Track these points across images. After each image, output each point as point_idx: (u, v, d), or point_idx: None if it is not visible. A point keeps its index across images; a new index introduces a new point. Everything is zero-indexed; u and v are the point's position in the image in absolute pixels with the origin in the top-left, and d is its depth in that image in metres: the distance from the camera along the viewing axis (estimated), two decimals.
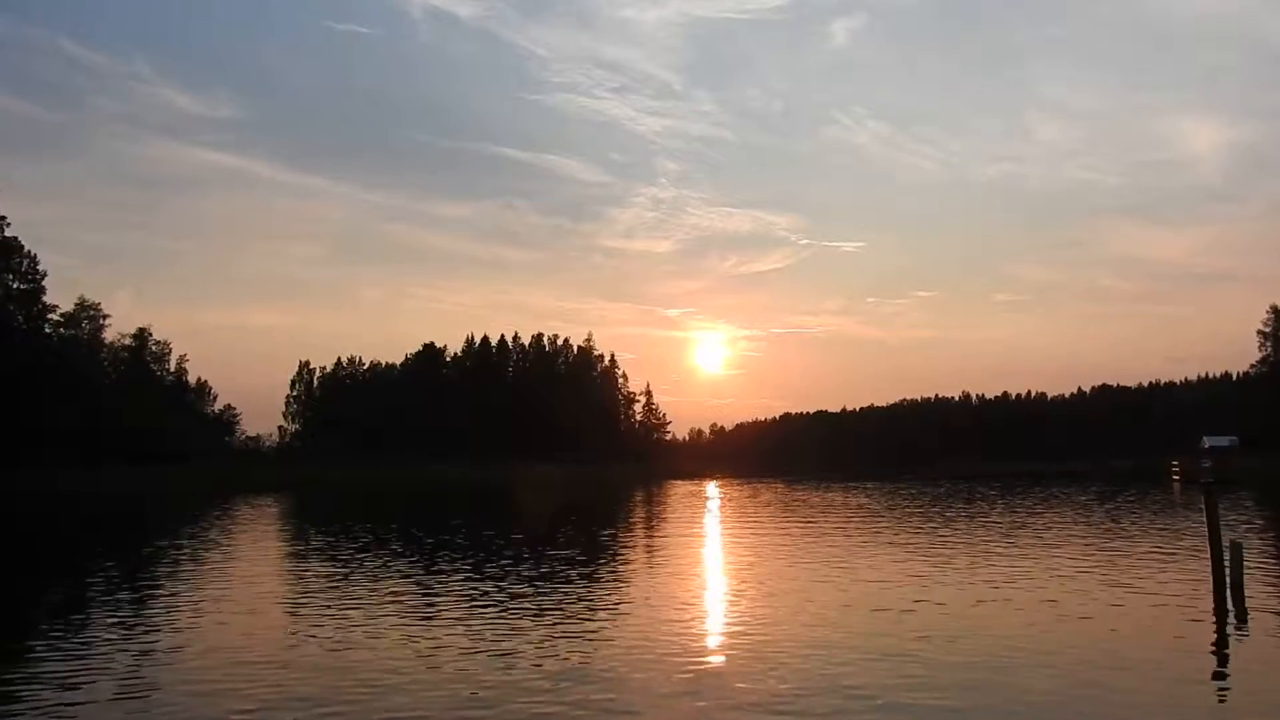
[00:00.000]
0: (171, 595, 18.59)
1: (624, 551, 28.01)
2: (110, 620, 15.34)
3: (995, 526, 32.69)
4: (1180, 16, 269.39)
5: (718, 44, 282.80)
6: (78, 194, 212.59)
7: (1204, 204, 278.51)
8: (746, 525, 37.39)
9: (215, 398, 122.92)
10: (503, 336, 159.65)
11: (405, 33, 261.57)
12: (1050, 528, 31.54)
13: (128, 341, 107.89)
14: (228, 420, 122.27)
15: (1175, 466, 68.57)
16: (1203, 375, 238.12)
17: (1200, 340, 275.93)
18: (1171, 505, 44.11)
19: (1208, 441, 67.61)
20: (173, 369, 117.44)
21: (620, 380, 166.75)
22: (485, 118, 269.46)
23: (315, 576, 21.22)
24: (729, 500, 58.68)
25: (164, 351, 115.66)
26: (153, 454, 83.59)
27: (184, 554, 27.39)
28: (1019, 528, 31.74)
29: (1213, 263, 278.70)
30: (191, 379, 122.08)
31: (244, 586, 19.57)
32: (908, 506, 46.74)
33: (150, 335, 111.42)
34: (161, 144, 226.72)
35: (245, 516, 45.82)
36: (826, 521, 37.17)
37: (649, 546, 29.43)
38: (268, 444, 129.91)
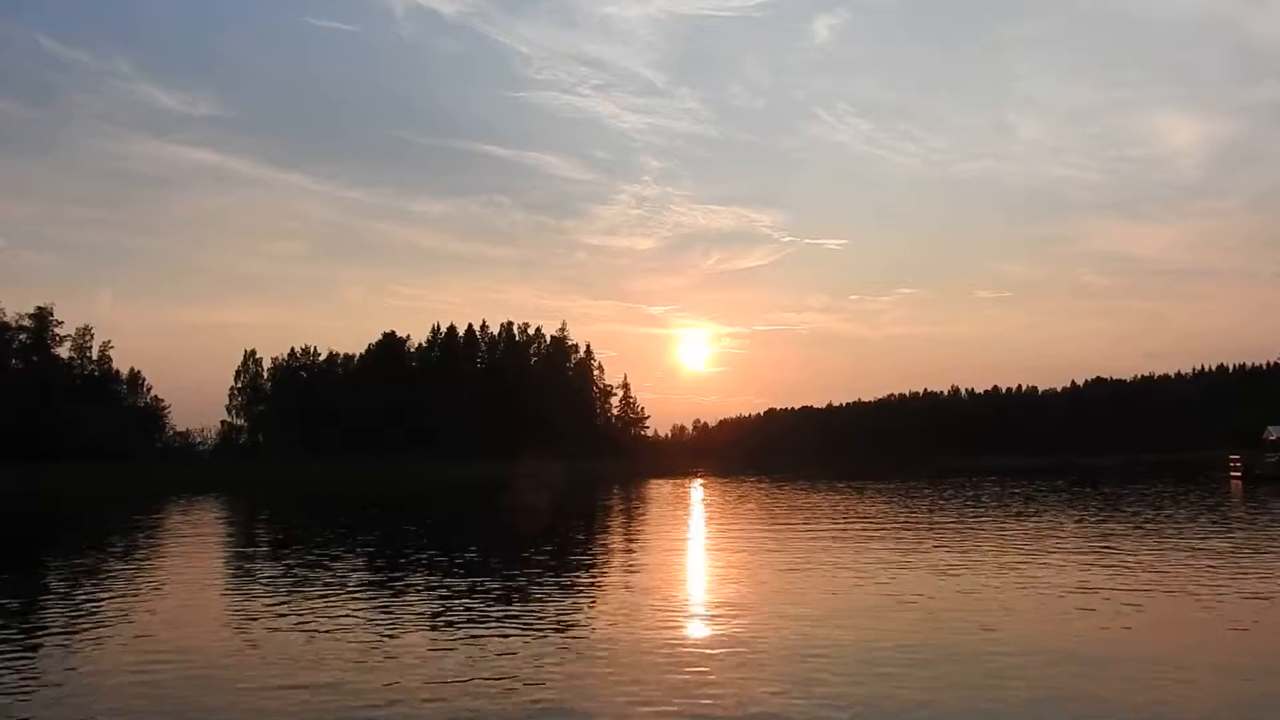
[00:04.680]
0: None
1: (601, 553, 25.01)
2: None
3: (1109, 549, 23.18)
4: (1159, 13, 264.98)
5: (700, 41, 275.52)
6: (55, 191, 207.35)
7: (1184, 200, 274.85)
8: (739, 530, 30.01)
9: (149, 389, 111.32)
10: (470, 326, 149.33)
11: (387, 30, 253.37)
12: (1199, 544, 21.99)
13: (26, 323, 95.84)
14: (154, 414, 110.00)
15: (1235, 461, 60.36)
16: (1197, 368, 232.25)
17: (1180, 335, 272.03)
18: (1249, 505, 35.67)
19: (1274, 432, 58.79)
20: (95, 356, 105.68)
21: (597, 372, 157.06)
22: (467, 115, 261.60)
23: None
24: (715, 500, 49.72)
25: (85, 338, 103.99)
26: (40, 449, 71.85)
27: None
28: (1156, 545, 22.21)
29: (1192, 258, 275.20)
30: (124, 369, 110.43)
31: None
32: (968, 510, 37.17)
33: (52, 315, 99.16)
34: (141, 141, 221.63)
35: (140, 525, 36.66)
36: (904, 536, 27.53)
37: (628, 549, 26.18)
38: (199, 440, 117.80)
